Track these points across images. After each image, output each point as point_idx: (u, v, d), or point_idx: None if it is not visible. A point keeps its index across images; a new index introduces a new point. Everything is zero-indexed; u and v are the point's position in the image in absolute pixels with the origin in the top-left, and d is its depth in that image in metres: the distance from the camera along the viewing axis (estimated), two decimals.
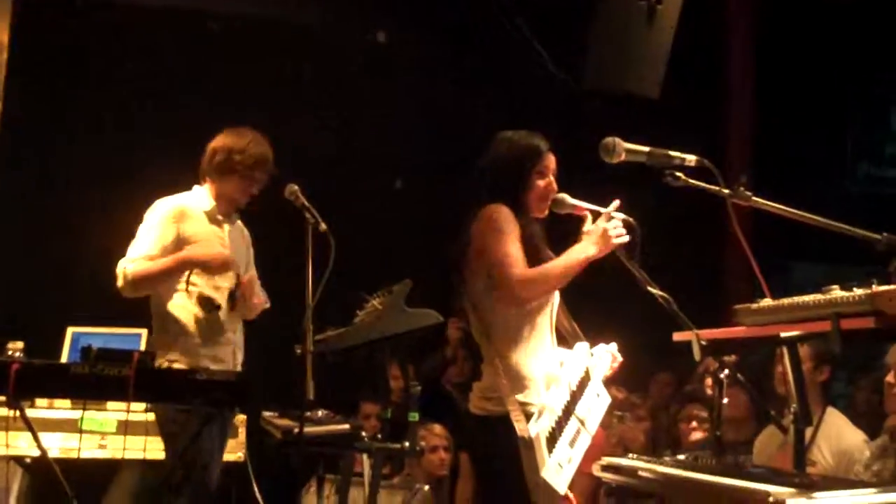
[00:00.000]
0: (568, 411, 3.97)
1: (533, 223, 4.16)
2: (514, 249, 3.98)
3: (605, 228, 3.96)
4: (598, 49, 6.52)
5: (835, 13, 9.07)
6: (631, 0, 6.50)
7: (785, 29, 9.33)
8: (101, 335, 5.89)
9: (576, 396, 4.05)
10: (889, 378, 5.07)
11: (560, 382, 4.02)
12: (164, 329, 5.02)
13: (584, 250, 3.98)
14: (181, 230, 5.07)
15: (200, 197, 5.22)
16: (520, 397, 3.94)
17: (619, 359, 4.42)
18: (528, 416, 3.84)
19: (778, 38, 9.37)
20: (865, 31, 9.39)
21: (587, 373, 4.19)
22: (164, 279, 5.00)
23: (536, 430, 3.76)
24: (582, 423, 4.02)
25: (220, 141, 5.26)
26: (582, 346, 4.27)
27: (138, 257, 4.99)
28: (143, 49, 8.20)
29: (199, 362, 4.91)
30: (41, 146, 8.13)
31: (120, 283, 4.99)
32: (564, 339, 4.30)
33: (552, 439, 3.82)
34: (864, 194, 10.25)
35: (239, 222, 5.40)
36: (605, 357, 4.37)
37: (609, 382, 7.08)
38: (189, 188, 5.31)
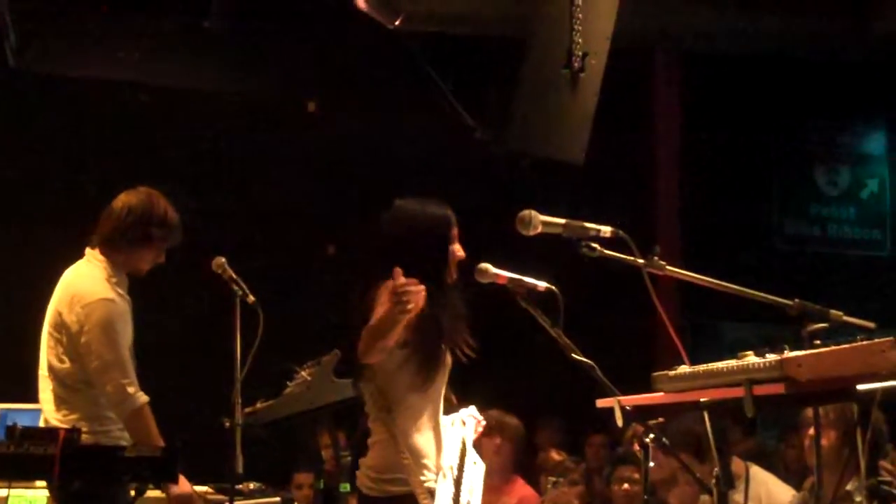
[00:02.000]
0: (456, 500, 3.98)
1: (452, 294, 4.16)
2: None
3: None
4: (522, 114, 6.57)
5: (758, 72, 9.26)
6: (553, 67, 6.58)
7: (710, 92, 9.52)
8: (29, 412, 5.82)
9: (459, 479, 4.05)
10: (810, 432, 5.16)
11: (444, 471, 4.01)
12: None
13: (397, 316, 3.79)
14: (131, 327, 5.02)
15: (109, 276, 4.97)
16: (422, 476, 3.94)
17: (482, 421, 4.41)
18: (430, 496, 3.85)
19: (703, 100, 9.55)
20: (787, 90, 9.60)
21: (464, 445, 4.19)
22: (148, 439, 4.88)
23: None
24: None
25: (130, 208, 5.02)
26: (455, 416, 4.26)
27: (132, 373, 4.87)
28: (69, 121, 8.21)
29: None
30: None
31: (124, 404, 4.84)
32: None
33: None
34: (791, 253, 10.40)
35: None
36: (471, 422, 4.36)
37: (546, 445, 7.18)
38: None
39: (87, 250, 5.10)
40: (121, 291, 4.97)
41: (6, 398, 6.19)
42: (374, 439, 4.09)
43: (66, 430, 4.23)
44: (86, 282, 4.99)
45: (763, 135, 10.07)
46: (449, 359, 4.17)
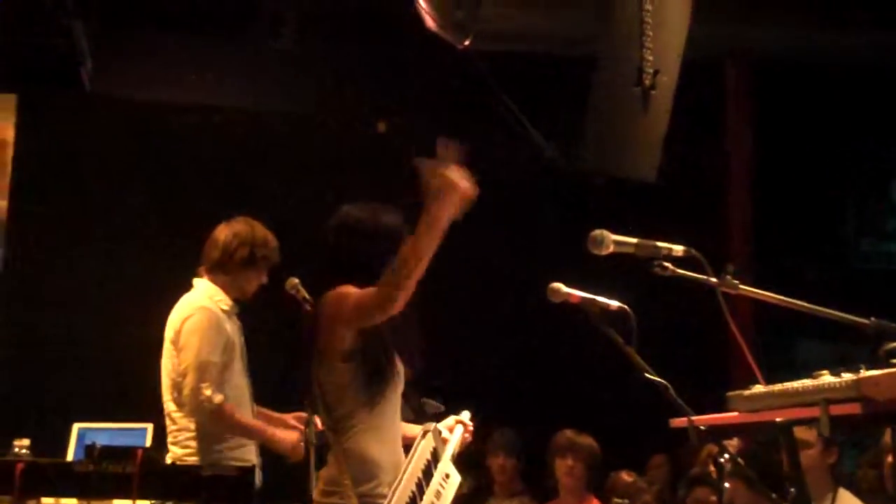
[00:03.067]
0: None
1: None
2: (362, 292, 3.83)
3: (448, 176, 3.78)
4: (593, 133, 6.56)
5: (831, 87, 9.16)
6: (624, 86, 6.56)
7: (783, 106, 9.42)
8: (107, 431, 5.91)
9: (421, 487, 3.95)
10: (890, 459, 5.07)
11: (403, 475, 3.92)
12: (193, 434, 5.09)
13: (437, 213, 3.78)
14: (222, 334, 5.13)
15: (212, 294, 5.25)
16: (365, 489, 3.88)
17: (471, 426, 4.37)
18: None
19: (775, 116, 9.46)
20: (861, 104, 9.48)
21: (434, 455, 4.10)
22: (243, 434, 5.09)
23: None
24: None
25: (236, 233, 5.29)
26: (428, 426, 4.19)
27: (214, 375, 5.03)
28: (143, 144, 8.33)
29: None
30: (44, 241, 8.23)
31: (205, 406, 5.00)
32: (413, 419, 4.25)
33: None
34: (868, 270, 10.26)
35: None
36: (458, 430, 4.34)
37: (615, 465, 7.13)
38: (189, 282, 5.36)
39: (195, 280, 5.27)
40: (223, 307, 5.12)
41: (86, 418, 6.30)
42: (330, 451, 4.03)
43: (143, 448, 4.30)
44: (188, 300, 5.25)
45: (838, 150, 9.95)
46: (402, 370, 4.10)
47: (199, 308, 5.16)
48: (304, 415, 5.05)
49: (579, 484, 6.60)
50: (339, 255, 4.09)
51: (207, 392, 4.96)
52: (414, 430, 4.21)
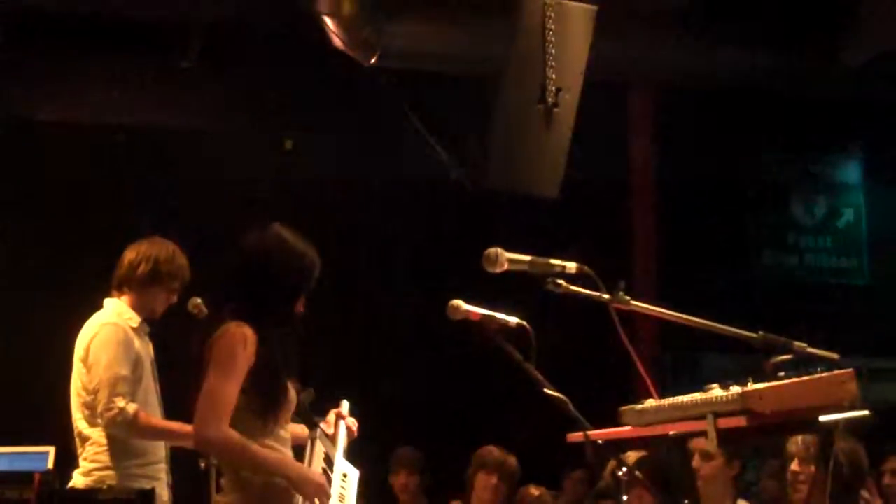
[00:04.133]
0: None
1: (290, 333, 4.07)
2: (227, 392, 3.79)
3: (319, 489, 3.88)
4: (496, 150, 6.62)
5: (732, 105, 9.33)
6: (528, 103, 6.62)
7: (685, 124, 9.57)
8: (6, 455, 5.81)
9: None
10: (793, 466, 5.15)
11: None
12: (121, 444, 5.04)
13: (289, 472, 3.86)
14: (130, 350, 5.09)
15: (121, 312, 5.21)
16: None
17: (352, 419, 4.39)
18: None
19: (678, 133, 9.61)
20: (762, 122, 9.67)
21: (327, 458, 4.14)
22: (166, 437, 5.06)
23: None
24: None
25: (141, 251, 5.26)
26: (314, 433, 4.20)
27: (123, 388, 4.98)
28: (47, 163, 8.23)
29: (134, 483, 4.91)
30: None
31: (118, 418, 4.94)
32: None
33: None
34: (770, 282, 10.46)
35: None
36: (341, 425, 4.36)
37: (525, 479, 7.19)
38: (98, 302, 5.31)
39: (105, 300, 5.23)
40: (131, 324, 5.09)
41: None
42: (225, 479, 4.00)
43: (41, 473, 4.27)
44: (96, 318, 5.21)
45: (739, 167, 10.14)
46: (294, 395, 4.09)
47: (106, 325, 5.13)
48: None
49: (498, 502, 6.66)
50: (249, 265, 4.06)
51: (121, 404, 4.93)
52: (302, 430, 4.23)
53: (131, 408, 4.94)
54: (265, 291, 3.98)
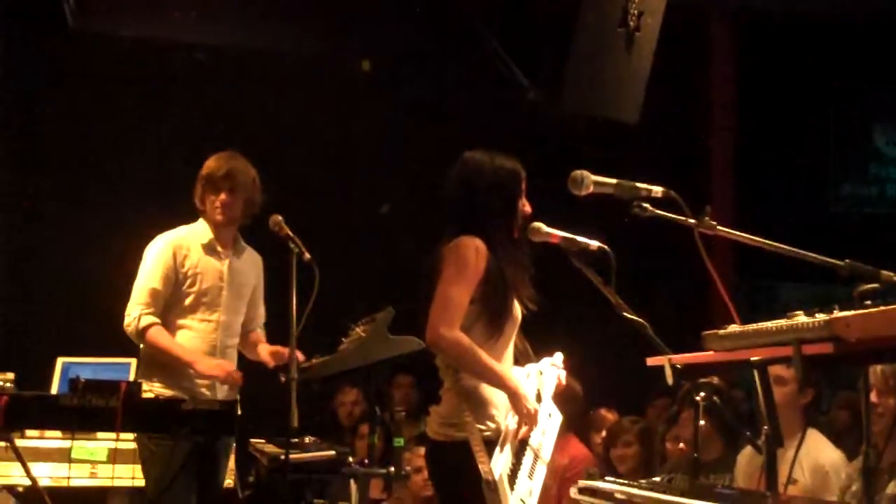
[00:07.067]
0: (523, 443, 4.06)
1: (519, 249, 4.21)
2: (459, 297, 4.01)
3: (530, 410, 4.05)
4: (576, 73, 6.55)
5: (814, 32, 9.17)
6: (609, 27, 6.55)
7: (767, 52, 9.43)
8: (91, 365, 5.96)
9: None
10: (872, 398, 5.11)
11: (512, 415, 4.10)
12: (151, 359, 5.10)
13: (507, 385, 4.05)
14: (179, 265, 5.14)
15: (199, 229, 5.27)
16: (483, 426, 4.01)
17: (563, 372, 4.47)
18: (491, 446, 3.92)
19: (760, 60, 9.47)
20: (846, 49, 9.49)
21: (538, 395, 4.27)
22: (168, 359, 5.06)
23: (499, 471, 3.83)
24: (536, 453, 4.12)
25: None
26: (531, 367, 4.34)
27: (146, 299, 5.06)
28: (131, 80, 8.29)
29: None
30: (31, 178, 8.22)
31: (130, 328, 5.05)
32: (516, 359, 4.36)
33: (513, 475, 3.92)
34: (848, 214, 10.33)
35: (250, 252, 5.42)
36: (552, 371, 4.43)
37: (602, 403, 7.19)
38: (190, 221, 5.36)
39: None
40: (201, 241, 5.19)
41: (71, 352, 6.34)
42: (444, 388, 4.17)
43: (127, 382, 4.35)
44: None
45: (821, 96, 9.98)
46: (518, 311, 4.24)
47: (154, 241, 5.23)
48: (280, 349, 5.11)
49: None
50: (456, 197, 4.20)
51: (135, 313, 5.05)
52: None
53: (144, 321, 5.03)
54: (485, 202, 4.14)
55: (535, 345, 4.49)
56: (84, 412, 4.32)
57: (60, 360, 6.27)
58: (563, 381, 4.49)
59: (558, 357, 4.50)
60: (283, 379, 4.80)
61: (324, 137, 8.55)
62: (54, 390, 6.06)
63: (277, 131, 8.33)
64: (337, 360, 5.21)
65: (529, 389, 4.23)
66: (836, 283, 3.57)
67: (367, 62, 8.79)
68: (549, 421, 4.28)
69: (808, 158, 10.10)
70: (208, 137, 7.38)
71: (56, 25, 7.82)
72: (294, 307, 4.86)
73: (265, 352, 5.25)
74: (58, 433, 5.72)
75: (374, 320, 5.18)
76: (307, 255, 5.02)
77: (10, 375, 4.77)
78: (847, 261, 3.35)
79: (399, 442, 5.53)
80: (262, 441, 5.58)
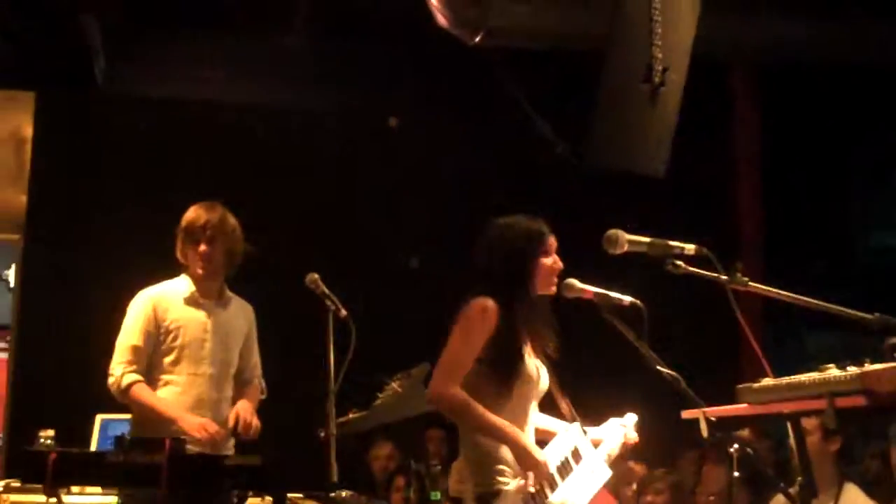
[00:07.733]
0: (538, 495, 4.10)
1: (535, 307, 4.33)
2: (461, 356, 4.15)
3: (536, 462, 4.10)
4: (601, 128, 6.61)
5: (838, 81, 9.21)
6: (634, 81, 6.61)
7: (789, 103, 9.46)
8: (128, 422, 6.03)
9: (552, 481, 4.17)
10: None
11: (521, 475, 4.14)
12: (140, 415, 5.24)
13: (509, 437, 4.13)
14: (160, 320, 5.23)
15: (180, 283, 5.36)
16: (492, 481, 4.11)
17: (634, 435, 4.55)
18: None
19: (782, 112, 9.50)
20: (868, 98, 9.51)
21: (575, 451, 4.32)
22: (153, 415, 5.14)
23: None
24: None
25: None
26: (573, 427, 4.41)
27: (128, 356, 5.17)
28: (156, 140, 8.43)
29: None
30: (63, 237, 8.34)
31: (113, 387, 5.18)
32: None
33: None
34: (877, 264, 10.33)
35: (238, 302, 5.47)
36: (617, 431, 4.50)
37: (631, 457, 7.21)
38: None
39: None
40: (183, 294, 5.27)
41: (105, 409, 6.41)
42: (460, 443, 4.28)
43: (172, 439, 4.42)
44: None
45: (845, 144, 10.00)
46: (536, 372, 4.30)
47: (137, 295, 5.33)
48: (241, 414, 5.18)
49: None
50: (478, 257, 4.37)
51: (118, 372, 5.16)
52: (554, 427, 4.45)
53: (127, 379, 5.13)
54: (502, 264, 4.29)
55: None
56: (129, 469, 4.38)
57: (99, 417, 6.35)
58: (631, 440, 4.56)
59: (629, 417, 4.57)
60: (321, 434, 4.87)
61: (355, 193, 8.65)
62: (93, 447, 6.14)
63: (307, 188, 8.42)
64: (373, 415, 5.29)
65: (559, 444, 4.30)
66: (862, 332, 3.63)
67: (394, 118, 8.91)
68: (591, 476, 4.31)
69: (835, 207, 10.12)
70: (239, 195, 7.50)
71: (87, 87, 7.97)
72: (331, 363, 4.94)
73: (232, 412, 5.27)
74: (97, 489, 5.78)
75: (410, 375, 5.26)
76: (343, 312, 5.11)
77: (51, 432, 4.83)
78: (877, 314, 3.41)
79: (435, 496, 5.58)
80: (300, 496, 5.64)
